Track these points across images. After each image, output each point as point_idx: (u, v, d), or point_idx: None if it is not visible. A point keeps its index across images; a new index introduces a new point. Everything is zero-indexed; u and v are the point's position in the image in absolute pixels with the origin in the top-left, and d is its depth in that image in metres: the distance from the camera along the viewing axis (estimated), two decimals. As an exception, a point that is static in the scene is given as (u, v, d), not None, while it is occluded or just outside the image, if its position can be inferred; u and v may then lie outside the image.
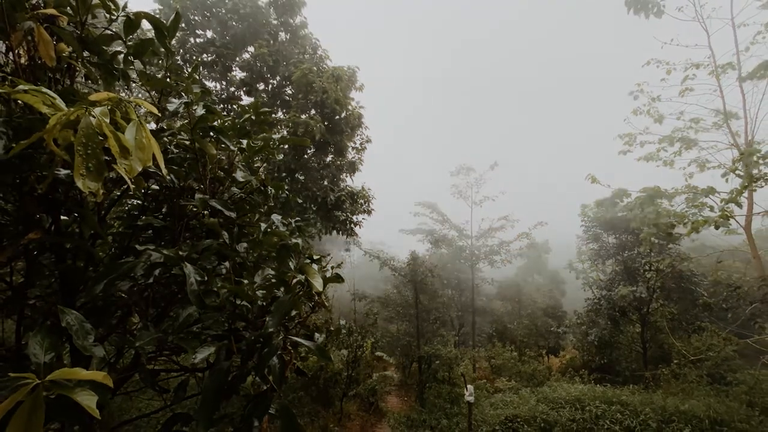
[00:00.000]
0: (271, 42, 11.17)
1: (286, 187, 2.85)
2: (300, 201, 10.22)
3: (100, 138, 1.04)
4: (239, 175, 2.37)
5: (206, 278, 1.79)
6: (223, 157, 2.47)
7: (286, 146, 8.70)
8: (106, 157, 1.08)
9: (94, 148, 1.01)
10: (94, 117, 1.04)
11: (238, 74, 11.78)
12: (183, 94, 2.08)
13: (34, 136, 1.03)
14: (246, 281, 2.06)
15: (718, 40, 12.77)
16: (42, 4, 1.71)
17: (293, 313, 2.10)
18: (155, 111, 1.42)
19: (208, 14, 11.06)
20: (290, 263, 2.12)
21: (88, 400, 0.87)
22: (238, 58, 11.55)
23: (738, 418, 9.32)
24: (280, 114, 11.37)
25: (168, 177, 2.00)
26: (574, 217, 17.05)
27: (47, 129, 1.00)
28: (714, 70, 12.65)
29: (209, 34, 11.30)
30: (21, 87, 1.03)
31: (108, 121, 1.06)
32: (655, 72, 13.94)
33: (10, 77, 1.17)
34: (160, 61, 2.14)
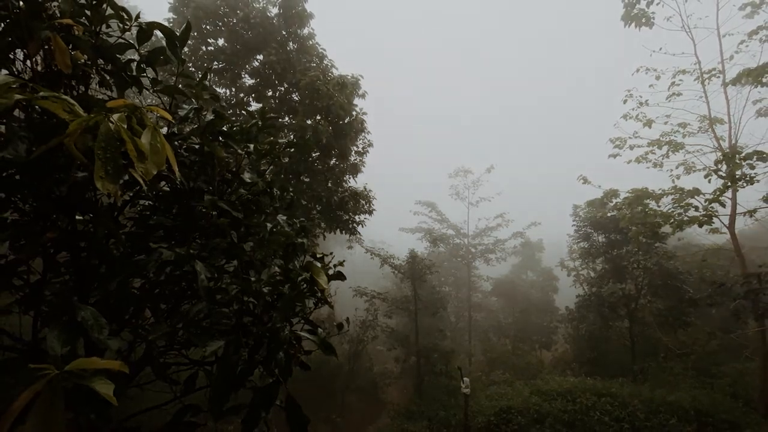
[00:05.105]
0: (280, 51, 11.16)
1: (291, 189, 2.86)
2: (305, 202, 10.23)
3: (118, 143, 1.04)
4: (246, 177, 2.37)
5: (216, 275, 1.80)
6: (231, 160, 2.48)
7: (292, 150, 8.72)
8: (123, 161, 1.09)
9: (113, 152, 1.01)
10: (113, 123, 1.05)
11: (248, 81, 11.79)
12: (194, 100, 2.09)
13: (55, 139, 1.03)
14: (253, 278, 2.06)
15: (704, 49, 12.80)
16: (58, 14, 1.71)
17: (297, 308, 2.10)
18: (169, 117, 1.42)
19: (219, 24, 11.06)
20: (296, 262, 2.12)
21: (106, 389, 0.88)
22: (247, 66, 11.55)
23: (722, 409, 9.32)
24: (287, 119, 11.37)
25: (179, 179, 2.01)
26: (566, 217, 17.08)
27: (68, 133, 1.00)
28: (700, 77, 12.67)
29: (220, 42, 11.29)
30: (42, 94, 1.03)
31: (125, 126, 1.07)
32: (645, 78, 13.96)
33: (30, 84, 1.17)
34: (172, 68, 2.15)
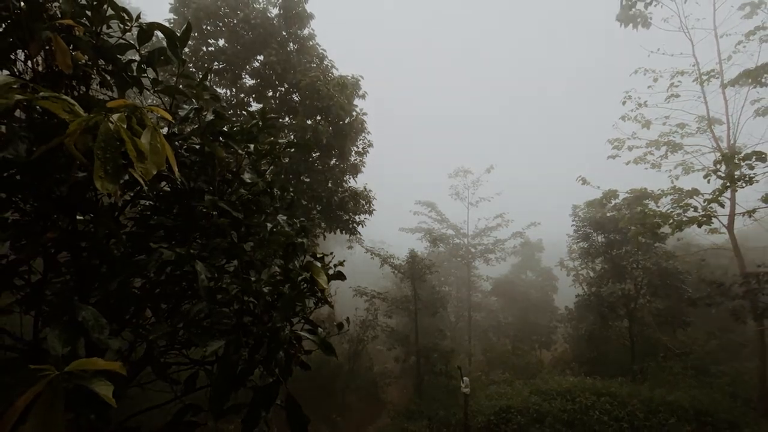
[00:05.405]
0: (280, 51, 11.16)
1: (291, 189, 2.86)
2: (305, 202, 10.23)
3: (118, 143, 1.04)
4: (247, 177, 2.37)
5: (216, 275, 1.80)
6: (232, 160, 2.48)
7: (292, 150, 8.72)
8: (123, 161, 1.09)
9: (113, 152, 1.01)
10: (112, 123, 1.05)
11: (248, 81, 11.79)
12: (194, 100, 2.09)
13: (55, 140, 1.03)
14: (253, 278, 2.06)
15: (702, 49, 12.80)
16: (59, 15, 1.71)
17: (297, 308, 2.10)
18: (169, 117, 1.42)
19: (220, 24, 11.06)
20: (296, 261, 2.12)
21: (105, 390, 0.88)
22: (247, 66, 11.55)
23: (721, 409, 9.31)
24: (287, 119, 11.37)
25: (179, 179, 2.01)
26: (565, 217, 17.07)
27: (68, 134, 1.00)
28: (698, 78, 12.67)
29: (221, 42, 11.29)
30: (42, 94, 1.03)
31: (125, 126, 1.07)
32: (643, 80, 13.98)
33: (31, 84, 1.17)
34: (173, 69, 2.15)
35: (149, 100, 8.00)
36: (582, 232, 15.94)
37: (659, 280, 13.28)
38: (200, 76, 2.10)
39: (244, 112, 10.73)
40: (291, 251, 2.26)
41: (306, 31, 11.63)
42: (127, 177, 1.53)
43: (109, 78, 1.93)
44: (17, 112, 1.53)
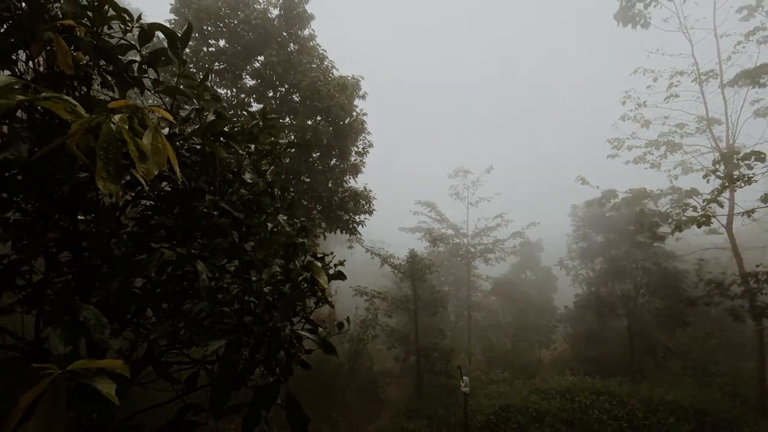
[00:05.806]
0: (281, 52, 11.16)
1: (291, 189, 2.86)
2: (305, 202, 10.23)
3: (120, 143, 1.04)
4: (247, 178, 2.37)
5: (217, 275, 1.80)
6: (232, 161, 2.48)
7: (293, 150, 8.69)
8: (124, 161, 1.09)
9: (115, 153, 1.01)
10: (114, 123, 1.05)
11: (249, 82, 11.78)
12: (195, 100, 2.09)
13: (57, 140, 1.03)
14: (254, 278, 2.06)
15: (701, 50, 12.80)
16: (60, 16, 1.71)
17: (298, 308, 2.10)
18: (170, 118, 1.42)
19: (220, 25, 11.05)
20: (297, 261, 2.12)
21: (108, 388, 0.88)
22: (248, 67, 11.54)
23: (720, 408, 9.32)
24: (287, 120, 11.37)
25: (180, 179, 2.01)
26: (565, 217, 17.08)
27: (70, 134, 1.00)
28: (697, 78, 12.68)
29: (221, 43, 11.28)
30: (44, 94, 1.03)
31: (127, 127, 1.07)
32: (643, 80, 13.99)
33: (32, 85, 1.17)
34: (173, 69, 2.15)
35: (150, 101, 7.99)
36: (581, 232, 15.97)
37: (658, 279, 13.29)
38: (201, 77, 2.11)
39: (244, 113, 10.72)
40: (291, 251, 2.26)
41: (306, 32, 11.63)
42: (128, 177, 1.53)
43: (110, 78, 1.94)
44: (19, 113, 1.53)
